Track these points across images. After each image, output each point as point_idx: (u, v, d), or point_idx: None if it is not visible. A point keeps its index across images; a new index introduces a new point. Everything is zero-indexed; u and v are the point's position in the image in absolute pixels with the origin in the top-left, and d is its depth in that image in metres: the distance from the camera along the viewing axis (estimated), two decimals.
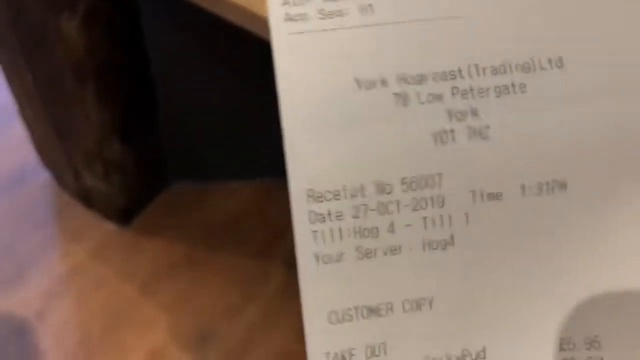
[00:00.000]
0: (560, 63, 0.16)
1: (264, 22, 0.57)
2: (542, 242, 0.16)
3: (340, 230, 0.15)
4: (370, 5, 0.16)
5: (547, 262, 0.16)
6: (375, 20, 0.16)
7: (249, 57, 0.94)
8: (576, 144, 0.16)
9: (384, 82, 0.15)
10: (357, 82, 0.16)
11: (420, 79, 0.15)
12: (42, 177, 1.07)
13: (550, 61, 0.16)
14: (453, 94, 0.15)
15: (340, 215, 0.15)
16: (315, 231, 0.15)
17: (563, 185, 0.16)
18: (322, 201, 0.15)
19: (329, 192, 0.15)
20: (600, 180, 0.16)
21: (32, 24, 0.76)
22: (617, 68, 0.16)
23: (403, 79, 0.15)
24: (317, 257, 0.16)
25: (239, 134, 1.01)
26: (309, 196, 0.15)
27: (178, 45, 0.86)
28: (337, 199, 0.15)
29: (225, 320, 0.95)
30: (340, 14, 0.16)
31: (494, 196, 0.15)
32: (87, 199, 1.01)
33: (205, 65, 0.89)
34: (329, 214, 0.15)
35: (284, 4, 0.16)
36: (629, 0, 0.16)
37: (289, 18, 0.16)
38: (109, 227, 1.02)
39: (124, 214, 1.01)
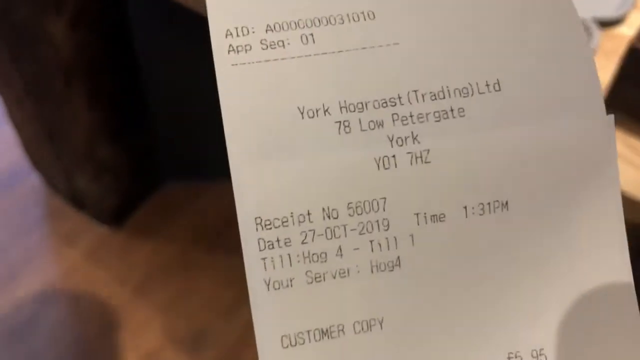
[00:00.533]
0: (497, 86, 0.16)
1: None
2: (487, 261, 0.16)
3: (289, 256, 0.16)
4: (311, 34, 0.16)
5: (492, 280, 0.16)
6: (316, 50, 0.16)
7: None
8: (516, 163, 0.16)
9: (326, 111, 0.16)
10: (300, 111, 0.16)
11: (362, 107, 0.16)
12: (32, 180, 1.07)
13: (487, 85, 0.16)
14: (394, 120, 0.16)
15: (289, 241, 0.16)
16: (264, 258, 0.16)
17: (505, 205, 0.16)
18: (270, 228, 0.16)
19: (277, 219, 0.16)
20: (541, 198, 0.16)
21: (18, 24, 0.75)
22: (553, 88, 0.16)
23: (345, 107, 0.16)
24: (267, 283, 0.16)
25: None
26: (257, 224, 0.16)
27: (169, 46, 0.86)
28: (285, 226, 0.16)
29: (220, 320, 0.94)
30: (282, 44, 0.16)
31: (438, 218, 0.16)
32: (78, 201, 1.01)
33: (196, 64, 0.88)
34: (278, 240, 0.16)
35: (227, 35, 0.16)
36: (558, 23, 0.17)
37: (232, 49, 0.16)
38: (102, 229, 1.01)
39: (116, 216, 1.01)
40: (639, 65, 0.45)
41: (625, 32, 0.55)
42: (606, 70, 0.52)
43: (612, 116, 0.16)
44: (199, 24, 0.65)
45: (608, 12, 0.56)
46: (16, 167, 1.08)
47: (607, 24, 0.55)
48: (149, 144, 0.99)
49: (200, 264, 0.99)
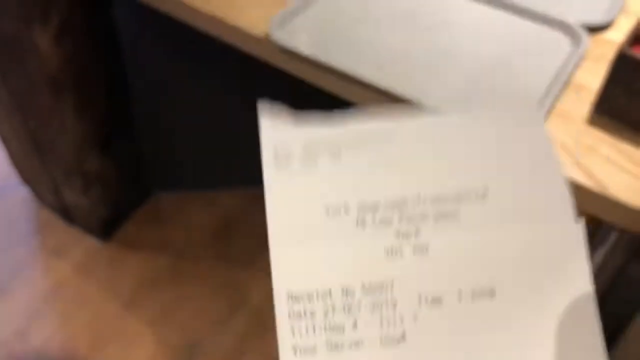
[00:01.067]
0: (485, 194, 0.20)
1: (241, 33, 0.57)
2: (479, 339, 0.19)
3: (313, 326, 0.18)
4: (339, 154, 0.21)
5: (483, 356, 0.19)
6: (341, 164, 0.20)
7: (228, 67, 0.94)
8: (501, 259, 0.19)
9: (347, 209, 0.20)
10: (326, 209, 0.20)
11: (375, 207, 0.20)
12: (21, 193, 1.06)
13: (477, 193, 0.20)
14: (400, 218, 0.19)
15: (314, 314, 0.19)
16: (292, 326, 0.19)
17: (492, 293, 0.19)
18: (299, 302, 0.19)
19: (305, 294, 0.19)
20: (523, 288, 0.19)
21: (3, 38, 0.74)
22: (532, 199, 0.20)
23: (361, 207, 0.20)
24: (294, 349, 0.18)
25: (220, 143, 1.01)
26: (288, 297, 0.19)
27: (157, 56, 0.86)
28: (310, 300, 0.19)
29: (213, 330, 0.93)
30: (315, 163, 0.20)
31: (436, 300, 0.19)
32: (67, 213, 1.00)
33: (186, 74, 0.88)
34: (305, 312, 0.19)
35: (275, 154, 0.21)
36: (534, 148, 0.21)
37: (278, 163, 0.21)
38: (91, 241, 1.01)
39: (106, 228, 1.00)
40: (628, 70, 0.45)
41: (613, 37, 0.55)
42: (595, 75, 0.52)
43: (582, 223, 0.19)
44: (188, 34, 0.65)
45: (596, 17, 0.56)
46: (5, 181, 1.07)
47: (595, 29, 0.55)
48: (138, 155, 0.98)
49: (191, 274, 0.98)
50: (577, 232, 0.19)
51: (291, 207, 0.19)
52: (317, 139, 0.20)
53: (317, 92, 0.56)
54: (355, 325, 0.19)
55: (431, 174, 0.20)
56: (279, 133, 0.21)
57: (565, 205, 0.19)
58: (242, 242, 1.01)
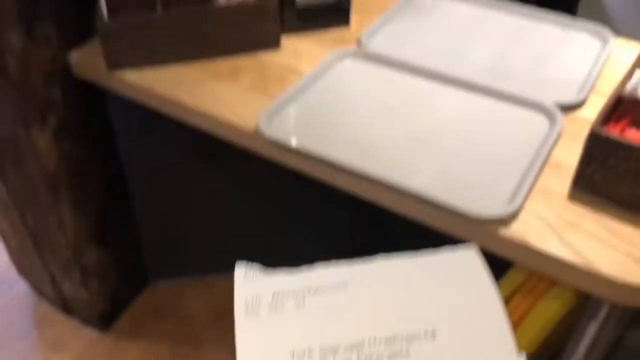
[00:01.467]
0: (433, 335, 0.23)
1: (231, 128, 0.59)
2: None
3: None
4: (303, 300, 0.24)
5: None
6: (305, 311, 0.24)
7: (222, 159, 0.96)
8: None
9: (310, 352, 0.23)
10: (292, 353, 0.23)
11: (336, 350, 0.23)
12: (20, 287, 1.06)
13: (426, 334, 0.23)
14: (359, 357, 0.23)
15: None
16: None
17: None
18: None
19: None
20: None
21: (3, 138, 0.77)
22: (476, 334, 0.23)
23: (323, 350, 0.23)
24: None
25: (216, 229, 1.01)
26: None
27: (152, 150, 0.88)
28: None
29: None
30: (282, 310, 0.24)
31: None
32: (66, 306, 1.00)
33: (180, 167, 0.90)
34: None
35: (245, 305, 0.24)
36: (477, 293, 0.24)
37: (248, 313, 0.24)
38: (90, 333, 1.00)
39: (105, 319, 1.00)
40: (601, 148, 0.47)
41: (586, 115, 0.57)
42: (571, 153, 0.54)
43: (523, 356, 0.22)
44: (180, 129, 0.67)
45: (569, 97, 0.59)
46: (5, 275, 1.07)
47: (568, 108, 0.58)
48: (135, 246, 0.99)
49: None
50: None
51: (260, 354, 0.22)
52: (283, 287, 0.23)
53: (308, 180, 0.58)
54: None
55: (383, 317, 0.23)
56: (250, 284, 0.23)
57: (507, 340, 0.22)
58: None
